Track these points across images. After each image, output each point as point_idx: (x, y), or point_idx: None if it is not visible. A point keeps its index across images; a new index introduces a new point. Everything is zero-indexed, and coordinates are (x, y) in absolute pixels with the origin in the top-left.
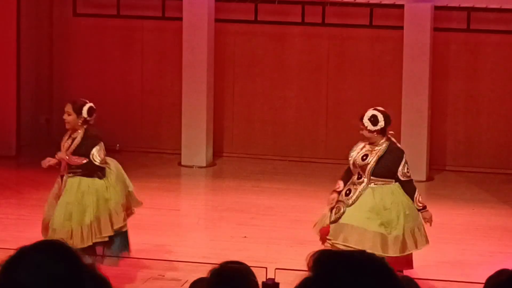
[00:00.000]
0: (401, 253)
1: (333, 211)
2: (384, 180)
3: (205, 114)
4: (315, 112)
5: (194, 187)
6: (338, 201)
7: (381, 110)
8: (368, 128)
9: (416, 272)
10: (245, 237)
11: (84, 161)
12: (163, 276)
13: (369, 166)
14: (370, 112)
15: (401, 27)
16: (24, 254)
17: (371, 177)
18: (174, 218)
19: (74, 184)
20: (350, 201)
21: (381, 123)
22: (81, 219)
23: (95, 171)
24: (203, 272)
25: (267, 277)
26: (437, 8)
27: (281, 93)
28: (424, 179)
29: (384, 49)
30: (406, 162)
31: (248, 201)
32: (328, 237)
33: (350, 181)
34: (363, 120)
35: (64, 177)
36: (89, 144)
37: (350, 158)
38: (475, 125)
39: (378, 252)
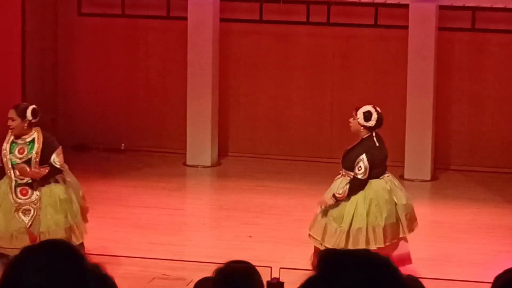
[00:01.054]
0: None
1: None
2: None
3: (210, 113)
4: (320, 111)
5: (199, 187)
6: None
7: (379, 112)
8: (359, 120)
9: (420, 271)
10: (249, 236)
11: (47, 170)
12: (168, 275)
13: (342, 159)
14: (368, 108)
15: (406, 27)
16: (29, 254)
17: (344, 169)
18: (178, 217)
19: (59, 180)
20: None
21: (372, 123)
22: (75, 216)
23: (56, 174)
24: (208, 271)
25: (272, 277)
26: (442, 7)
27: (286, 92)
28: (429, 178)
29: (389, 49)
30: (363, 162)
31: (253, 201)
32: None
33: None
34: (358, 112)
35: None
36: (50, 150)
37: None
38: (479, 124)
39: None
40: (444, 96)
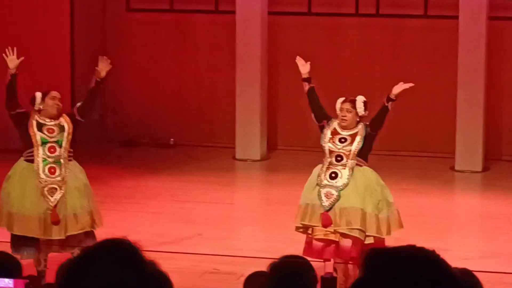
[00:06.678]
0: (386, 234)
1: (322, 198)
2: (363, 162)
3: (259, 107)
4: (370, 103)
5: (249, 181)
6: (323, 186)
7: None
8: (358, 112)
9: (471, 263)
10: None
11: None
12: (219, 270)
13: (354, 148)
14: (361, 98)
15: (456, 17)
16: (90, 256)
17: (357, 158)
18: (228, 211)
19: (77, 167)
20: (341, 184)
21: (366, 112)
22: (94, 202)
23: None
24: (258, 265)
25: (326, 271)
26: None
27: (335, 85)
28: (480, 169)
29: (439, 39)
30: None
31: None
32: (329, 227)
33: (326, 164)
34: (357, 104)
35: (62, 162)
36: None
37: (324, 145)
38: None
39: (373, 233)
40: (495, 87)
